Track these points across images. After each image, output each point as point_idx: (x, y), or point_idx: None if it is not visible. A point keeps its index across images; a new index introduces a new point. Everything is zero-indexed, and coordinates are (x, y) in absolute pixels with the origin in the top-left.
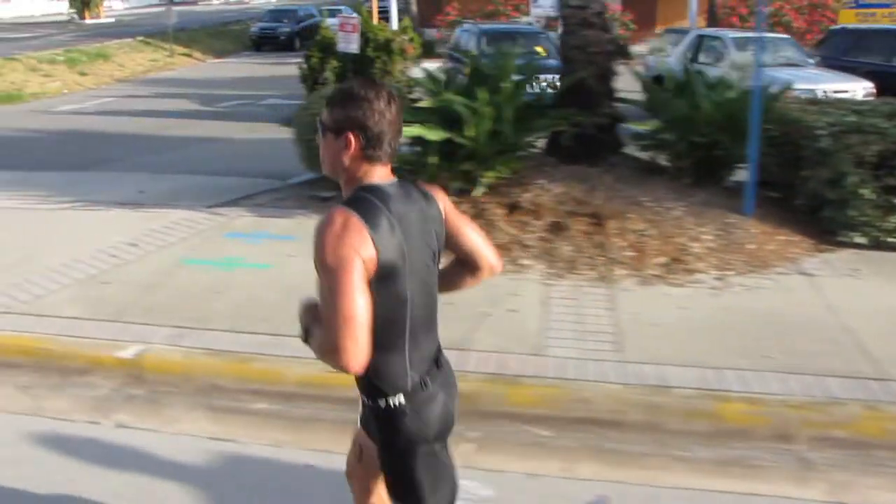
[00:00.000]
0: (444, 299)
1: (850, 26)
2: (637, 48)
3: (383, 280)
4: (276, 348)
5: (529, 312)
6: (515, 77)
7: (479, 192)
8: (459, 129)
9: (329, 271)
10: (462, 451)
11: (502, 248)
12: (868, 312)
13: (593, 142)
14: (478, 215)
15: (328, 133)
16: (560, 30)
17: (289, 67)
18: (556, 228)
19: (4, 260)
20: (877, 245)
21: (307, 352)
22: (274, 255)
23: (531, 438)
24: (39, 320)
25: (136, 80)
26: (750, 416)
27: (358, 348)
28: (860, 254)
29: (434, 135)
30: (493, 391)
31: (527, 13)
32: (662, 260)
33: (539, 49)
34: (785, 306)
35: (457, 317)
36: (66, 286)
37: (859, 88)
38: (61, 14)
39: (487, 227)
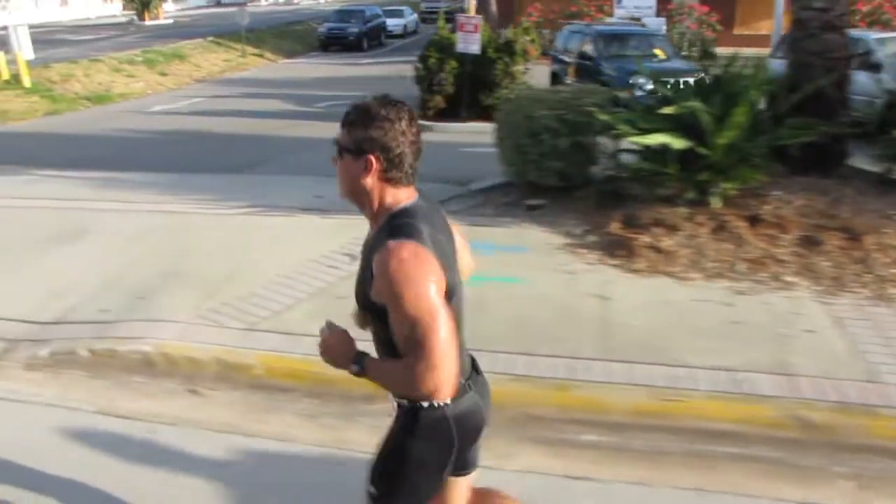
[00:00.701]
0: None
1: None
2: (720, 50)
3: (449, 299)
4: (586, 373)
5: (829, 334)
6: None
7: (717, 203)
8: (699, 137)
9: (417, 309)
10: (840, 489)
11: (756, 263)
12: None
13: (825, 152)
14: (720, 227)
15: (346, 154)
16: (792, 33)
17: (364, 68)
18: (808, 243)
19: (219, 268)
20: None
21: (624, 377)
22: (515, 267)
23: None
24: (293, 339)
25: (214, 80)
26: None
27: (451, 381)
28: None
29: (679, 143)
30: (853, 422)
31: (610, 14)
32: None
33: (658, 51)
34: None
35: (756, 337)
36: (301, 300)
37: None
38: (114, 16)
39: (734, 240)
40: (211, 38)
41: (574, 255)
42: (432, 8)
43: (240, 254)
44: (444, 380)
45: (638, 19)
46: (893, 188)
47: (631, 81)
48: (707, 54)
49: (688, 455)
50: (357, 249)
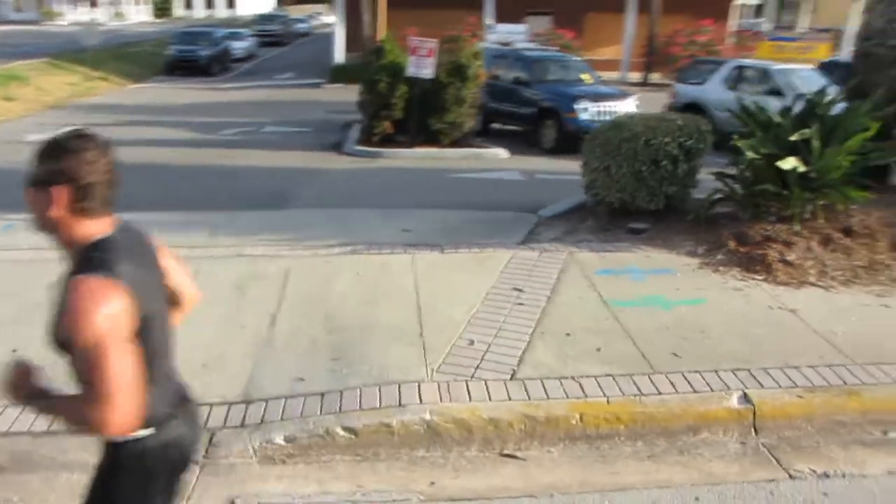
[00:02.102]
0: None
1: None
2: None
3: (143, 329)
4: (854, 377)
5: None
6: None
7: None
8: (805, 161)
9: (90, 342)
10: None
11: (869, 269)
12: None
13: (886, 169)
14: (825, 240)
15: (36, 187)
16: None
17: (227, 93)
18: None
19: (394, 316)
20: None
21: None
22: (681, 290)
23: None
24: (567, 382)
25: (69, 106)
26: None
27: (128, 414)
28: None
29: (802, 167)
30: None
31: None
32: None
33: (585, 76)
34: None
35: None
36: (526, 340)
37: None
38: None
39: (842, 249)
40: (47, 59)
41: (718, 273)
42: (266, 31)
43: (395, 298)
44: (117, 413)
45: (509, 44)
46: None
47: (575, 106)
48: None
49: None
50: (519, 282)
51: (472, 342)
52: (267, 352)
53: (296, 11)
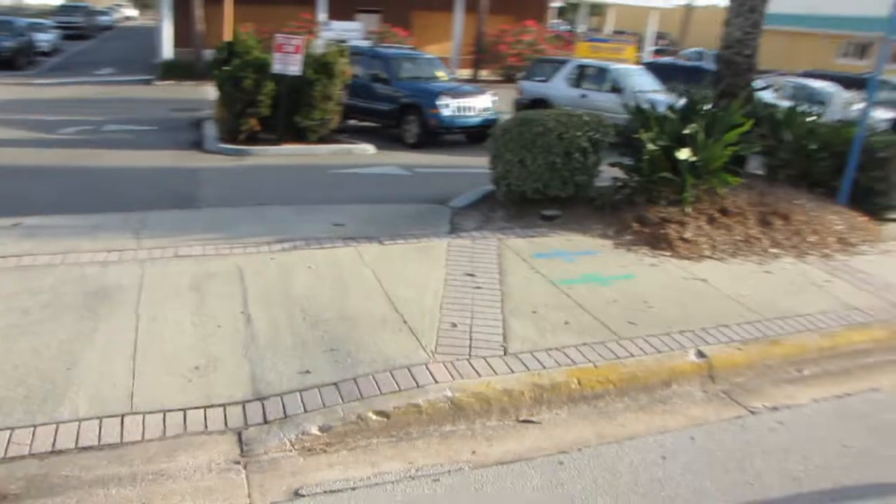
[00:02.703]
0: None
1: None
2: None
3: None
4: (774, 330)
5: (837, 282)
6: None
7: (705, 201)
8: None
9: None
10: None
11: (747, 242)
12: None
13: (741, 159)
14: (710, 219)
15: None
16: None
17: (45, 89)
18: (763, 224)
19: (368, 307)
20: None
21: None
22: (609, 267)
23: None
24: (553, 353)
25: None
26: None
27: None
28: None
29: (692, 156)
30: None
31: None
32: (833, 239)
33: (440, 74)
34: None
35: (810, 288)
36: (500, 318)
37: None
38: None
39: (724, 227)
40: None
41: (632, 252)
42: (69, 23)
43: (362, 289)
44: None
45: (345, 41)
46: (780, 186)
47: (437, 102)
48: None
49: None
50: (468, 266)
51: (454, 325)
52: (256, 349)
53: (93, 2)
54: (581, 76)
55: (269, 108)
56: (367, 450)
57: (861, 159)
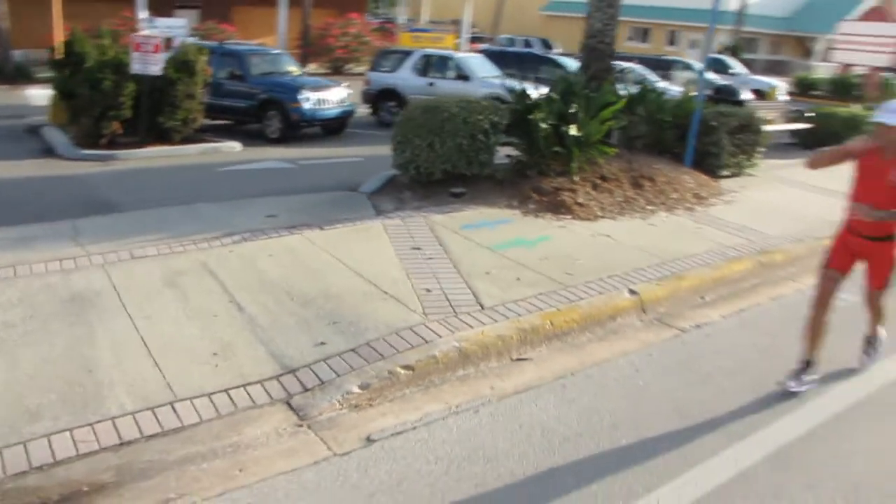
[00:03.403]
0: (667, 230)
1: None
2: None
3: None
4: (675, 268)
5: (690, 226)
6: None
7: (588, 170)
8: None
9: None
10: None
11: (627, 202)
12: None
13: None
14: (594, 186)
15: None
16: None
17: None
18: (636, 186)
19: (351, 285)
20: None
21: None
22: (526, 232)
23: None
24: (518, 304)
25: None
26: None
27: None
28: (734, 180)
29: (576, 132)
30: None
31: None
32: (690, 195)
33: (293, 69)
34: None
35: (688, 235)
36: (462, 281)
37: None
38: None
39: (607, 191)
40: None
41: (539, 217)
42: None
43: (331, 270)
44: None
45: (170, 39)
46: (639, 154)
47: (299, 97)
48: None
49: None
50: (410, 241)
51: (428, 290)
52: (262, 331)
53: None
54: (427, 65)
55: (130, 110)
56: (404, 399)
57: (699, 129)
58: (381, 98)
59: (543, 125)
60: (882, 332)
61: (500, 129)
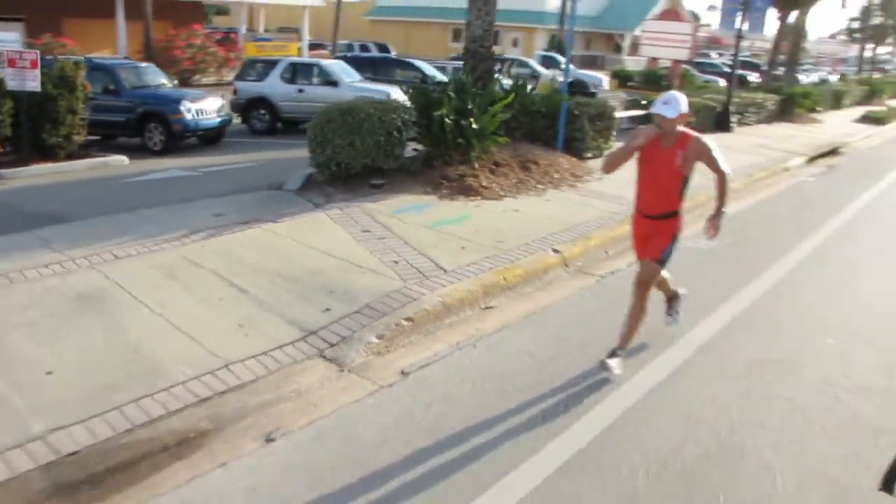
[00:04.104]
0: (565, 207)
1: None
2: None
3: None
4: (578, 233)
5: (577, 205)
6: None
7: (487, 158)
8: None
9: None
10: None
11: (521, 183)
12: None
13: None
14: (491, 171)
15: None
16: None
17: None
18: (524, 169)
19: (319, 264)
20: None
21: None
22: (448, 213)
23: None
24: (476, 265)
25: None
26: None
27: None
28: (598, 161)
29: (476, 124)
30: None
31: None
32: (568, 174)
33: (164, 81)
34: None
35: (591, 210)
36: (419, 255)
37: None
38: None
39: (503, 175)
40: None
41: (455, 200)
42: None
43: (303, 254)
44: None
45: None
46: (520, 142)
47: (181, 108)
48: None
49: None
50: (354, 227)
51: (396, 262)
52: (270, 305)
53: None
54: (295, 73)
55: (10, 128)
56: (413, 344)
57: (567, 118)
58: (250, 107)
59: (447, 120)
60: (681, 289)
61: (409, 125)
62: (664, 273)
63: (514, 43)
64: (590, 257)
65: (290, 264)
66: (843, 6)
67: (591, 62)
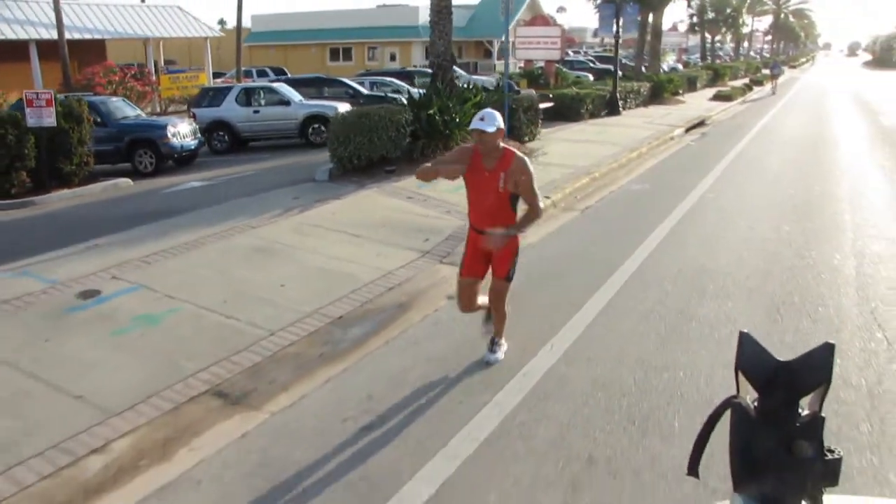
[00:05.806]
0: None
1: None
2: None
3: None
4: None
5: (550, 167)
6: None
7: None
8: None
9: None
10: None
11: None
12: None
13: None
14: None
15: None
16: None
17: None
18: None
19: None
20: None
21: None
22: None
23: None
24: (451, 240)
25: None
26: None
27: None
28: (534, 143)
29: (453, 119)
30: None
31: None
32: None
33: (139, 112)
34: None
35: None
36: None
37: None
38: None
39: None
40: None
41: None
42: None
43: (386, 213)
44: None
45: None
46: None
47: (168, 133)
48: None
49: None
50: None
51: (448, 211)
52: (385, 243)
53: None
54: (248, 96)
55: (34, 161)
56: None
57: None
58: (210, 130)
59: (438, 117)
60: (503, 342)
61: (410, 123)
62: (506, 299)
63: (392, 57)
64: (568, 200)
65: (380, 220)
66: (689, 6)
67: (465, 68)
